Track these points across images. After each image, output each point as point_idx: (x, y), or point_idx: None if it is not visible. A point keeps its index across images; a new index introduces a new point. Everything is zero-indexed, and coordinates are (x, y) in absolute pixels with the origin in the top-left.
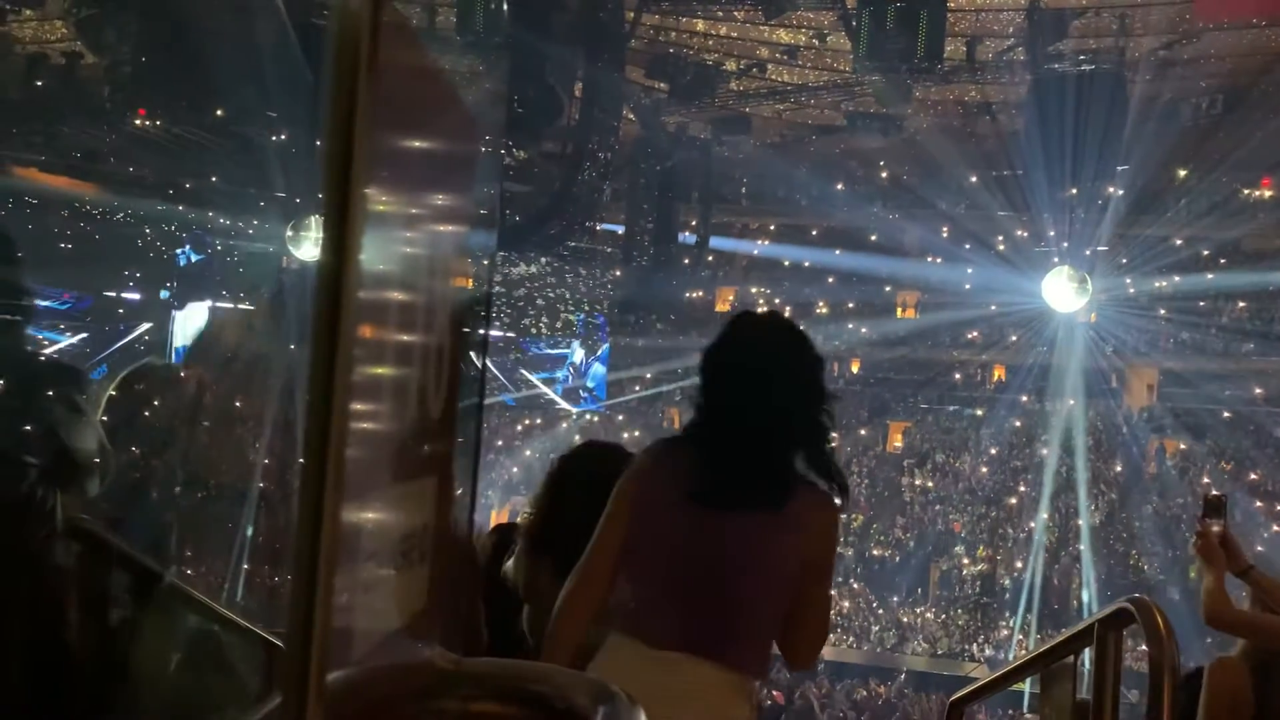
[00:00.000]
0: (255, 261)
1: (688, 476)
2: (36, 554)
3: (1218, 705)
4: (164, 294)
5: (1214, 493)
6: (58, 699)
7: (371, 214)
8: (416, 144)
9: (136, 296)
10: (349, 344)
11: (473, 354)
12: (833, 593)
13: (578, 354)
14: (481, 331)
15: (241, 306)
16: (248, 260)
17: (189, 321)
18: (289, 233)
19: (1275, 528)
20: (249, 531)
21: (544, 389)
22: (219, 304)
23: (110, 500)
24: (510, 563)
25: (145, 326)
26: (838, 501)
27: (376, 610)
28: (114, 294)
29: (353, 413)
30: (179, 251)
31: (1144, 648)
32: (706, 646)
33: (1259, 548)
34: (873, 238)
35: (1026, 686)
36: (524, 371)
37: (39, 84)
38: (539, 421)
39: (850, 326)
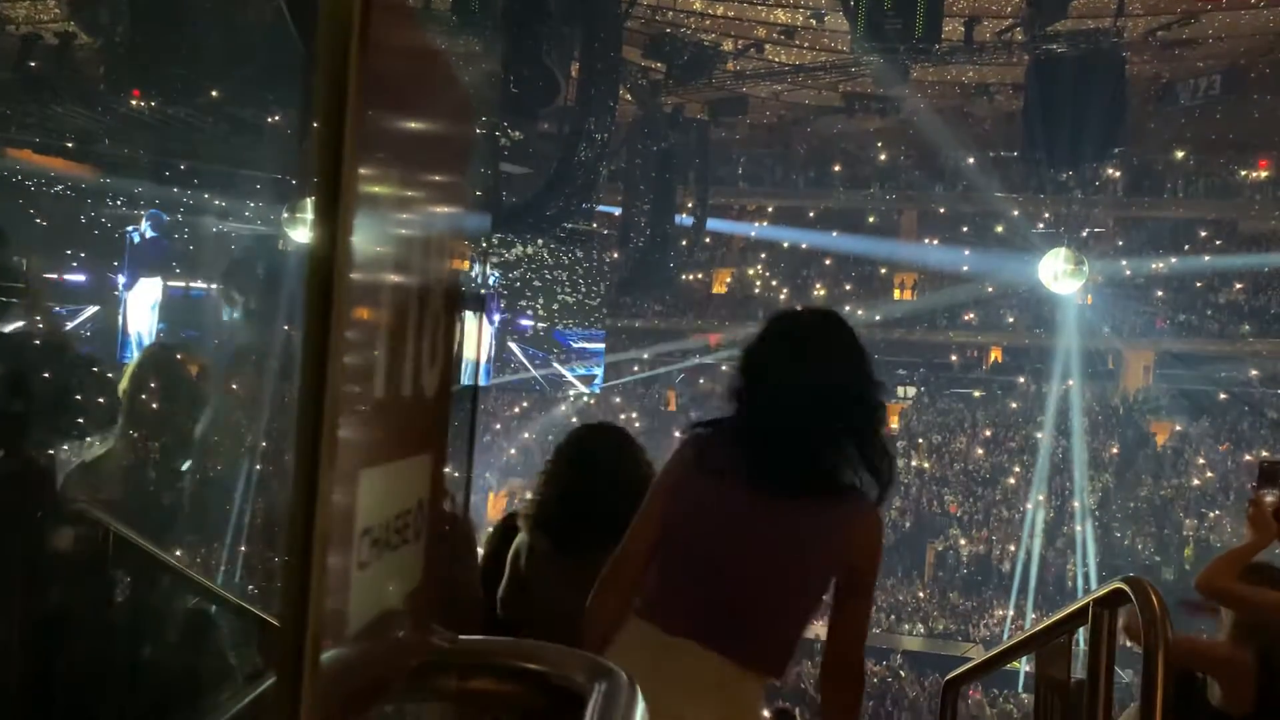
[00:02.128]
0: (213, 240)
1: (728, 461)
2: (33, 533)
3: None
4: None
5: (1272, 458)
6: (54, 678)
7: (364, 195)
8: (411, 124)
9: (81, 278)
10: (341, 326)
11: (472, 335)
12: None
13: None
14: (482, 313)
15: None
16: (205, 240)
17: (142, 304)
18: (284, 215)
19: None
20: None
21: (573, 380)
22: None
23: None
24: (514, 545)
25: (91, 310)
26: (878, 502)
27: (371, 589)
28: (54, 276)
29: (345, 394)
30: (130, 230)
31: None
32: (719, 638)
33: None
34: (870, 219)
35: (1022, 666)
36: (556, 365)
37: (32, 64)
38: (536, 403)
39: (847, 308)
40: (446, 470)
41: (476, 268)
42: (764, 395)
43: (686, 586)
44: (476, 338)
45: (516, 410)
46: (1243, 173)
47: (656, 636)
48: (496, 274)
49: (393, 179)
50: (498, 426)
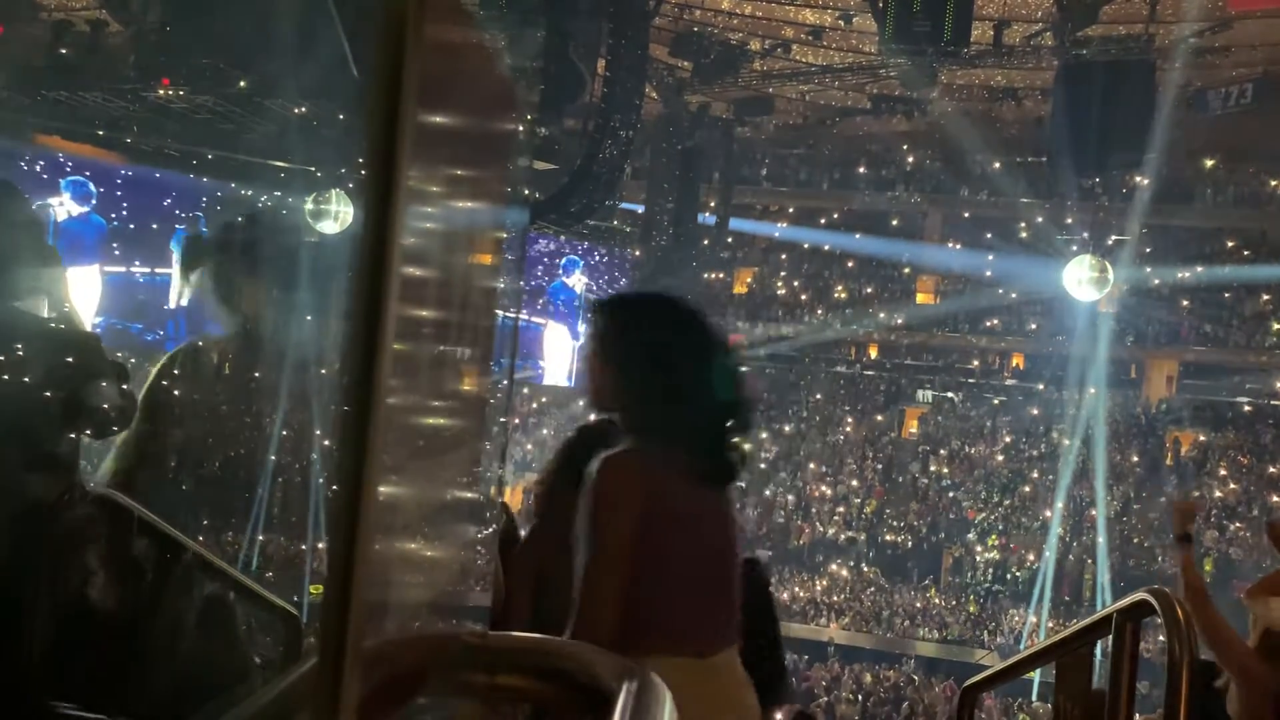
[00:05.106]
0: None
1: (675, 464)
2: (52, 515)
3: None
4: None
5: None
6: (76, 663)
7: (413, 190)
8: (459, 120)
9: None
10: (391, 321)
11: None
12: (844, 573)
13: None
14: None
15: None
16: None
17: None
18: (308, 205)
19: None
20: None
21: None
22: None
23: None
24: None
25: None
26: None
27: (409, 582)
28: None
29: (392, 388)
30: (57, 202)
31: (1158, 639)
32: (733, 634)
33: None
34: (894, 221)
35: (1036, 675)
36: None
37: (63, 51)
38: (553, 398)
39: (869, 311)
40: (479, 467)
41: (575, 276)
42: (667, 391)
43: (705, 602)
44: (556, 345)
45: (534, 405)
46: (1273, 182)
47: (695, 666)
48: (585, 280)
49: (440, 174)
50: (515, 421)
